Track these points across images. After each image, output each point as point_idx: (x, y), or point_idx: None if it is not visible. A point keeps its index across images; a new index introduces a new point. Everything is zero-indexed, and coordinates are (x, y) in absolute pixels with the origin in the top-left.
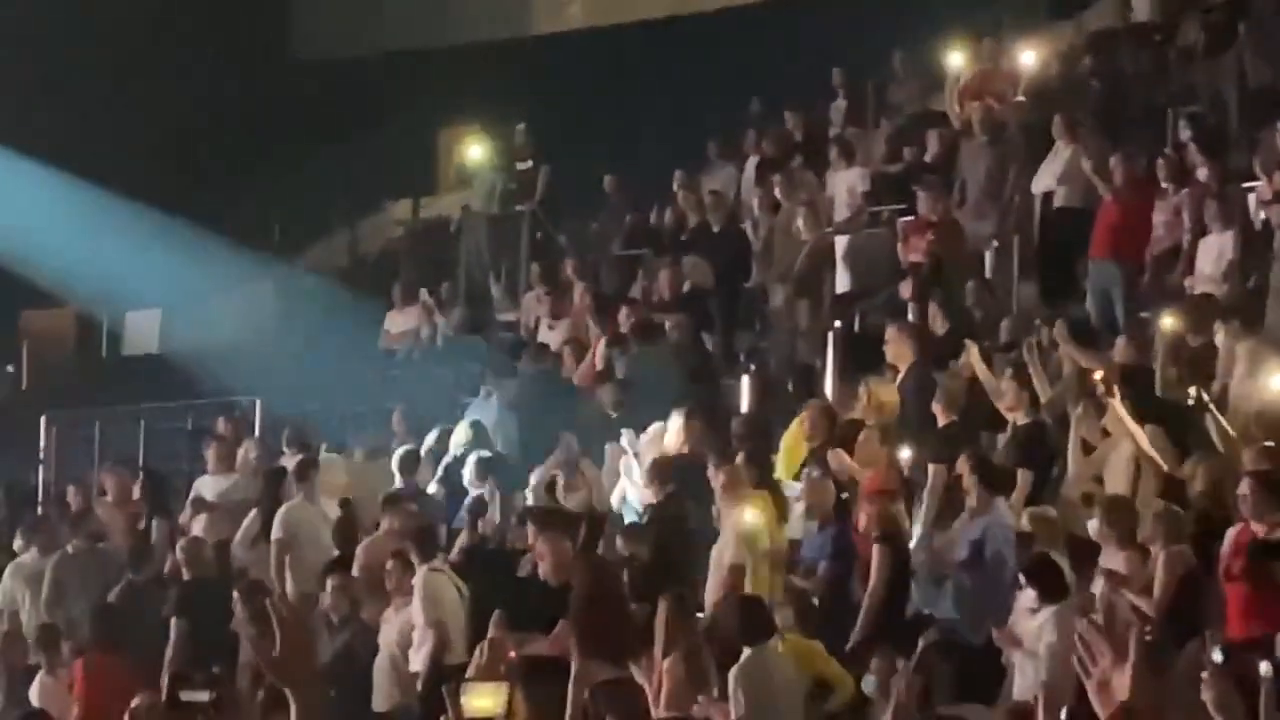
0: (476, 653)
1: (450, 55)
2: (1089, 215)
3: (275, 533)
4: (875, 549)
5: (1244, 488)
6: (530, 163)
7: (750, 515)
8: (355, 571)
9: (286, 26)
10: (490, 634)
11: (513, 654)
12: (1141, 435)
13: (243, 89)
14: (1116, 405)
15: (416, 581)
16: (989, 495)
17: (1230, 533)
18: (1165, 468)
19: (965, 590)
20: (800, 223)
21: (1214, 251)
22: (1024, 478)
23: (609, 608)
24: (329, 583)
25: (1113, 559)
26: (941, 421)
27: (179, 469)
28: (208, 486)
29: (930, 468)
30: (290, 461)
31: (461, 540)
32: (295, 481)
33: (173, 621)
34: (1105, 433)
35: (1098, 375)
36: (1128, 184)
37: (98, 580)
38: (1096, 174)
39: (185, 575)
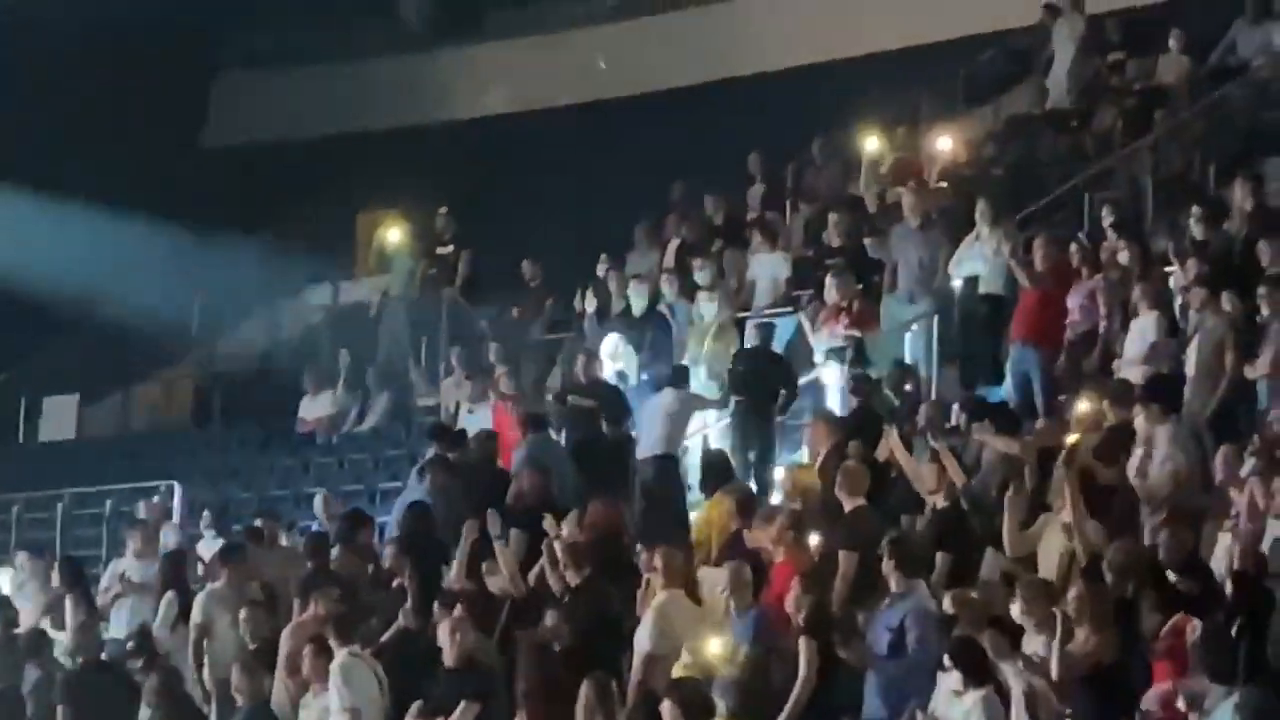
0: None
1: (369, 140)
2: (1013, 301)
3: (194, 616)
4: (802, 641)
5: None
6: (451, 247)
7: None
8: (280, 659)
9: (204, 112)
10: None
11: None
12: (1079, 510)
13: (161, 174)
14: (1070, 478)
15: (334, 666)
16: (908, 580)
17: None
18: (1092, 545)
19: (891, 679)
20: (705, 307)
21: (1139, 334)
22: (943, 560)
23: (555, 693)
24: (234, 669)
25: (1033, 642)
26: (847, 507)
27: (96, 555)
28: (132, 570)
29: (840, 554)
30: (206, 546)
31: (390, 631)
32: (219, 565)
33: (58, 710)
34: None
35: (1071, 439)
36: (1047, 269)
37: (11, 666)
38: (1013, 259)
39: (78, 660)
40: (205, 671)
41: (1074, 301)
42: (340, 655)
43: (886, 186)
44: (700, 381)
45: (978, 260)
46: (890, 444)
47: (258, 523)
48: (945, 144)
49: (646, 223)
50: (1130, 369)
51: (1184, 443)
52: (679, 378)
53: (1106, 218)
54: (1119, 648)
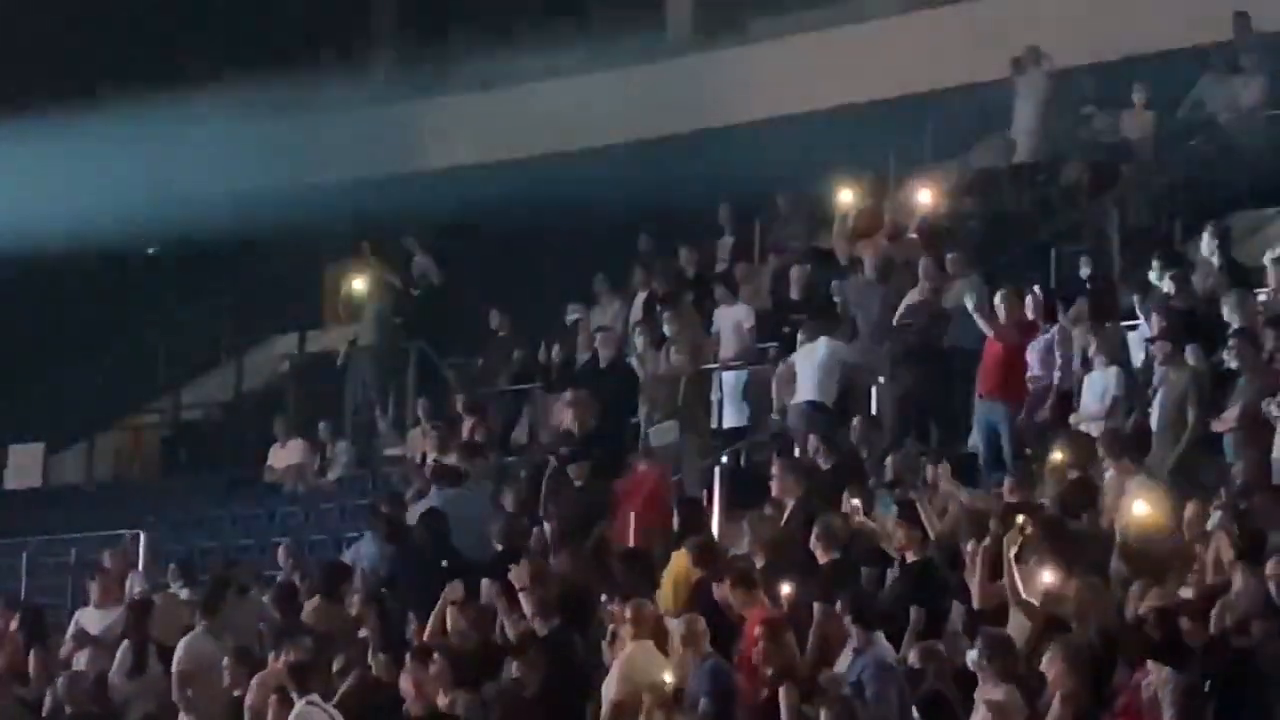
0: None
1: (337, 189)
2: (957, 354)
3: (178, 664)
4: (783, 690)
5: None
6: (418, 293)
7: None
8: (246, 709)
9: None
10: None
11: None
12: (1017, 590)
13: (125, 221)
14: (1009, 553)
15: (291, 716)
16: (867, 634)
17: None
18: (1035, 617)
19: None
20: (675, 358)
21: (1098, 388)
22: (917, 615)
23: None
24: None
25: (992, 692)
26: (822, 560)
27: (61, 603)
28: (91, 620)
29: (815, 606)
30: (169, 595)
31: (350, 679)
32: (200, 614)
33: None
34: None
35: (1020, 519)
36: (1011, 322)
37: None
38: (978, 312)
39: (67, 710)
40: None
41: (1033, 355)
42: (298, 705)
43: (851, 239)
44: (674, 436)
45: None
46: (855, 508)
47: (226, 572)
48: (925, 197)
49: (613, 274)
50: (1088, 424)
51: (1156, 495)
52: (829, 327)
53: (1084, 269)
54: (1090, 703)
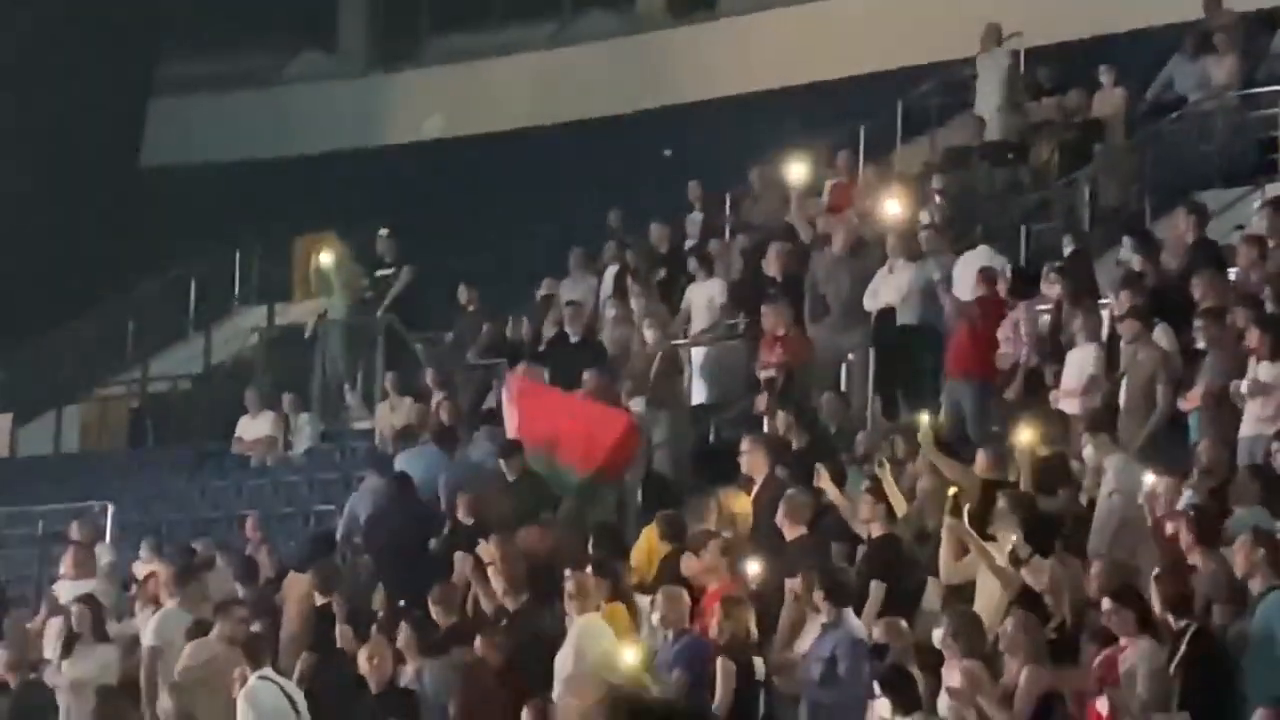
0: None
1: (307, 163)
2: (927, 331)
3: (149, 639)
4: (720, 661)
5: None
6: (391, 269)
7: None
8: (176, 672)
9: (140, 132)
10: None
11: None
12: (987, 552)
13: (96, 195)
14: (962, 525)
15: (242, 692)
16: (837, 610)
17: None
18: (1011, 581)
19: (823, 707)
20: (647, 333)
21: (1076, 365)
22: (877, 589)
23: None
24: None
25: (958, 668)
26: (789, 535)
27: (29, 574)
28: (65, 591)
29: (786, 582)
30: (143, 568)
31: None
32: (172, 588)
33: None
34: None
35: (951, 492)
36: (980, 301)
37: None
38: (944, 289)
39: (11, 682)
40: (160, 694)
41: (1001, 333)
42: (251, 679)
43: (821, 214)
44: (641, 409)
45: (892, 292)
46: (821, 482)
47: (195, 545)
48: (894, 208)
49: (582, 249)
50: (1067, 401)
51: (1131, 474)
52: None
53: (1068, 246)
54: (1051, 679)
